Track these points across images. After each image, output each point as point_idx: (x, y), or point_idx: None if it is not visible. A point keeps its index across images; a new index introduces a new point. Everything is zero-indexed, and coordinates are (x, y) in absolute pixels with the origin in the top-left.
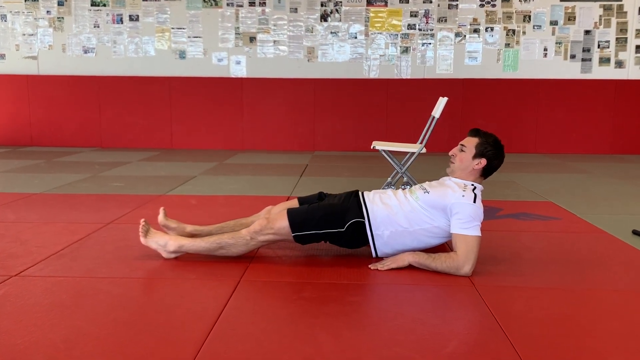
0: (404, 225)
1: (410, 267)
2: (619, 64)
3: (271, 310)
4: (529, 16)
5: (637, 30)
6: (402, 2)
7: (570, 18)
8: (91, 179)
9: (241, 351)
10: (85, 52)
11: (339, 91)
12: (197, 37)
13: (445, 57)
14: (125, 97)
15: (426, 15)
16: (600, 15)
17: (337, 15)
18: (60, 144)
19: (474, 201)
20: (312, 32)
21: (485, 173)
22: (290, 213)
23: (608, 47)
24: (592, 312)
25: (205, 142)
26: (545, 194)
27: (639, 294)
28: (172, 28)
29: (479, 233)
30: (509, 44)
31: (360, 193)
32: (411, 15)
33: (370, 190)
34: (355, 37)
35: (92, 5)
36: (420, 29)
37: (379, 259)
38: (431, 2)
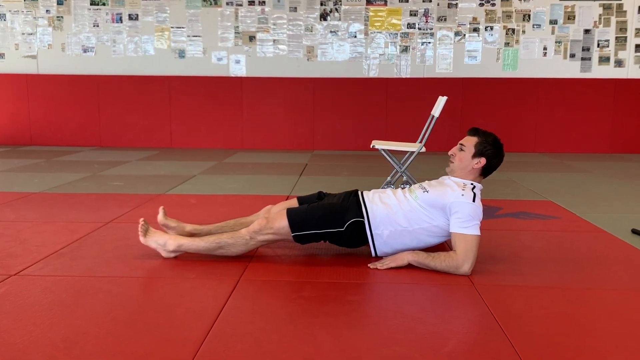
0: (403, 225)
1: (409, 266)
2: (619, 63)
3: (270, 310)
4: (529, 15)
5: (636, 29)
6: (402, 1)
7: (570, 17)
8: (91, 178)
9: (240, 350)
10: (85, 51)
11: (339, 90)
12: (196, 36)
13: (445, 56)
14: (125, 97)
15: (426, 14)
16: (600, 15)
17: (336, 14)
18: (59, 143)
19: (473, 200)
20: (311, 31)
21: (485, 172)
22: (290, 213)
23: (608, 46)
24: (591, 311)
25: (204, 141)
26: (544, 193)
27: (638, 293)
28: (172, 27)
29: (478, 232)
30: (508, 43)
31: (359, 192)
32: (411, 14)
33: (369, 190)
34: (355, 36)
35: (91, 4)
36: (419, 28)
37: (378, 258)
38: (431, 1)
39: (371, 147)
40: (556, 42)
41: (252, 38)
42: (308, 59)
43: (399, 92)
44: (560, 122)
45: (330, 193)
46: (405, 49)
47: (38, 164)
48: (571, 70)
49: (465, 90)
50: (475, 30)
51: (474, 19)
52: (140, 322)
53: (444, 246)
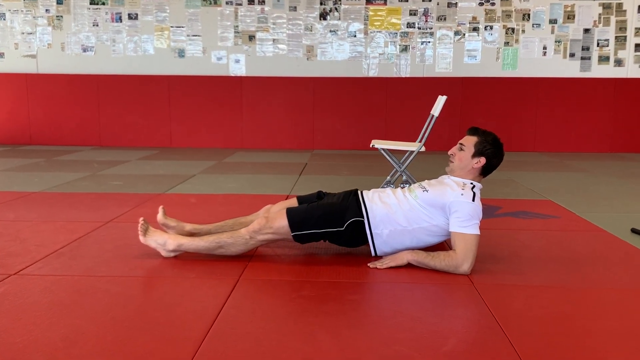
0: (403, 224)
1: (409, 266)
2: (618, 63)
3: (270, 309)
4: (528, 14)
5: (636, 28)
6: (402, 1)
7: (570, 16)
8: (90, 178)
9: (240, 350)
10: (84, 50)
11: (338, 90)
12: (196, 35)
13: (445, 55)
14: (125, 96)
15: (425, 13)
16: (600, 14)
17: (336, 13)
18: (59, 142)
19: (473, 200)
20: (311, 31)
21: (485, 172)
22: (290, 212)
23: (607, 46)
24: (591, 310)
25: (204, 141)
26: (544, 192)
27: (637, 292)
28: (171, 26)
29: (477, 231)
30: (508, 43)
31: (359, 192)
32: (410, 14)
33: (369, 189)
34: (355, 36)
35: (91, 3)
36: (419, 28)
37: (378, 257)
38: (430, 0)
39: (371, 146)
40: (556, 41)
41: (251, 37)
42: (308, 59)
43: (399, 92)
44: (560, 122)
45: (330, 192)
46: (405, 49)
47: (37, 163)
48: (571, 69)
49: (465, 90)
50: (475, 29)
51: (474, 18)
52: (139, 321)
53: (443, 245)
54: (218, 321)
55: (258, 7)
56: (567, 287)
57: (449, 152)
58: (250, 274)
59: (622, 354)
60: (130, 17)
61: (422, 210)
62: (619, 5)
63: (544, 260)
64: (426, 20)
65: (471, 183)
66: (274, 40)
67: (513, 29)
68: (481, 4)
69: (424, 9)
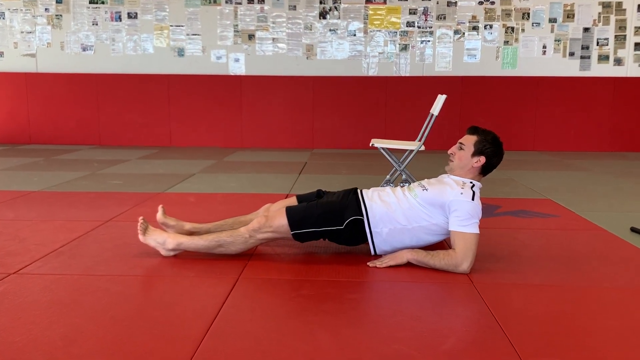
0: (402, 223)
1: (408, 265)
2: (618, 62)
3: (270, 308)
4: (528, 13)
5: (636, 27)
6: (401, 0)
7: (569, 15)
8: (90, 177)
9: (240, 349)
10: (84, 49)
11: (338, 89)
12: (195, 34)
13: (444, 54)
14: (124, 95)
15: (425, 12)
16: (599, 13)
17: (336, 12)
18: (58, 141)
19: (473, 199)
20: (311, 30)
21: (485, 171)
22: (289, 211)
23: (607, 45)
24: (590, 309)
25: (204, 140)
26: (544, 191)
27: (637, 291)
28: (171, 25)
29: (477, 230)
30: (507, 42)
31: (359, 191)
32: (410, 13)
33: (368, 188)
34: (354, 35)
35: (90, 2)
36: (419, 27)
37: (377, 256)
38: None
39: (370, 145)
40: (555, 40)
41: (251, 36)
42: (307, 58)
43: (399, 91)
44: (560, 121)
45: (329, 191)
46: (404, 48)
47: (37, 162)
48: (570, 68)
49: (464, 89)
50: (475, 28)
51: (473, 17)
52: (139, 320)
53: (443, 244)
54: (217, 320)
55: (257, 6)
56: (566, 286)
57: (449, 152)
58: (250, 273)
59: (621, 352)
60: (129, 16)
61: (421, 209)
62: (619, 4)
63: (544, 259)
64: (426, 19)
65: (471, 182)
66: (273, 39)
67: (513, 28)
68: (481, 3)
69: (424, 8)
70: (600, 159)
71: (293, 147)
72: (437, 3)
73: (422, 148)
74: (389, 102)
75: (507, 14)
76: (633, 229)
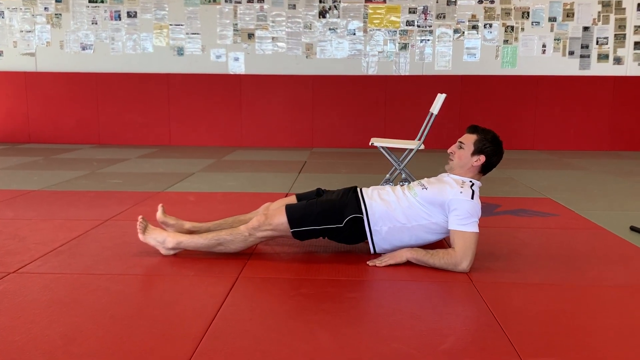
0: (402, 221)
1: (408, 264)
2: (618, 61)
3: (269, 307)
4: (528, 12)
5: (635, 26)
6: None
7: (569, 14)
8: (89, 176)
9: (239, 347)
10: (83, 48)
11: (338, 88)
12: (195, 33)
13: (444, 53)
14: (124, 94)
15: (425, 11)
16: (599, 12)
17: (335, 11)
18: (58, 140)
19: (472, 197)
20: (310, 29)
21: (484, 170)
22: (289, 209)
23: (606, 44)
24: (589, 308)
25: (203, 139)
26: (543, 190)
27: (636, 290)
28: (170, 24)
29: (476, 229)
30: (507, 41)
31: (358, 189)
32: (410, 12)
33: (368, 187)
34: (354, 34)
35: (89, 1)
36: (418, 26)
37: (377, 255)
38: None
39: (370, 144)
40: (555, 39)
41: (250, 35)
42: (307, 57)
43: (398, 90)
44: (559, 120)
45: (329, 190)
46: (404, 47)
47: (37, 161)
48: (570, 67)
49: (464, 88)
50: (474, 27)
51: (473, 16)
52: (139, 319)
53: (442, 243)
54: (217, 319)
55: (257, 5)
56: (566, 284)
57: (449, 151)
58: (250, 272)
59: (620, 351)
60: (129, 15)
61: (421, 208)
62: (618, 3)
63: (543, 258)
64: (425, 18)
65: (470, 181)
66: (273, 38)
67: (512, 27)
68: (480, 1)
69: (423, 6)
70: (599, 158)
71: (292, 146)
72: (437, 2)
73: (422, 147)
74: (388, 101)
75: (506, 13)
76: (632, 228)
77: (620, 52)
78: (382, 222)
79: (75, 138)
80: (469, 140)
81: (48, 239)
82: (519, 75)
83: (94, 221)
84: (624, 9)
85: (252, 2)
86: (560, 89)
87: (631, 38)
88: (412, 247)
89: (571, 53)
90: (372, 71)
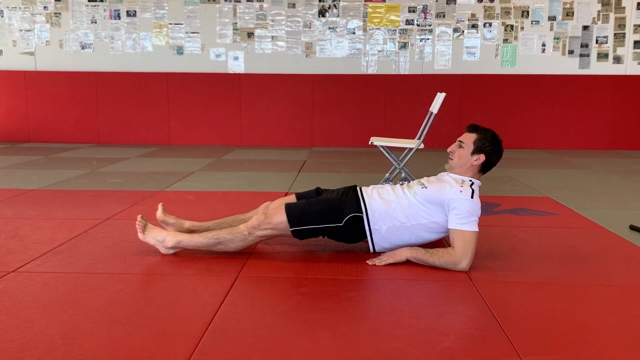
0: (401, 221)
1: (407, 263)
2: (617, 60)
3: (269, 306)
4: (527, 11)
5: (635, 25)
6: None
7: (569, 13)
8: (89, 175)
9: (239, 346)
10: (83, 48)
11: (337, 87)
12: (194, 32)
13: (444, 52)
14: (123, 93)
15: (424, 10)
16: (599, 11)
17: (335, 10)
18: (57, 140)
19: (472, 197)
20: (310, 28)
21: (484, 169)
22: (288, 208)
23: (606, 43)
24: (589, 307)
25: (203, 138)
26: (543, 189)
27: (635, 288)
28: (170, 24)
29: (476, 228)
30: (507, 40)
31: (358, 188)
32: (409, 11)
33: (368, 186)
34: (354, 33)
35: (89, 0)
36: (418, 25)
37: (376, 254)
38: None
39: (370, 143)
40: (555, 38)
41: (250, 34)
42: (306, 56)
43: (398, 89)
44: (559, 119)
45: (328, 189)
46: (403, 46)
47: (36, 160)
48: (570, 66)
49: (463, 87)
50: (474, 26)
51: (473, 15)
52: (138, 318)
53: (442, 242)
54: (217, 318)
55: (257, 4)
56: (565, 283)
57: (448, 150)
58: (249, 271)
59: (620, 350)
60: (128, 14)
61: (421, 207)
62: (618, 2)
63: (542, 257)
64: (425, 18)
65: (470, 180)
66: (272, 37)
67: (512, 26)
68: (480, 0)
69: (423, 6)
70: (599, 156)
71: (292, 145)
72: (437, 1)
73: (422, 146)
74: (388, 100)
75: (506, 12)
76: (632, 227)
77: (620, 51)
78: (381, 221)
79: (74, 137)
80: (468, 139)
81: (47, 238)
82: (518, 74)
83: (94, 220)
84: (624, 8)
85: (252, 1)
86: (560, 88)
87: (631, 37)
88: (411, 246)
89: (571, 52)
90: (371, 70)
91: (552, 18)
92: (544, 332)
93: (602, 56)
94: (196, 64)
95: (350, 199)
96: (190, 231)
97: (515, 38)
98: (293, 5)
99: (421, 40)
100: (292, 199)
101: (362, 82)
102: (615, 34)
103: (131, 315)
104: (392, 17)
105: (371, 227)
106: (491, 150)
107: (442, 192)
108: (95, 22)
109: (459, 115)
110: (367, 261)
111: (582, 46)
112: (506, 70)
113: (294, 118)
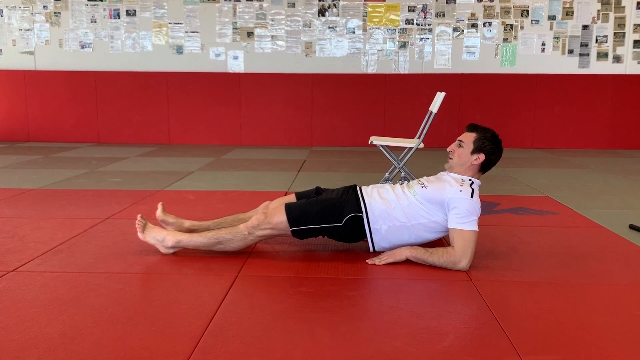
0: (401, 220)
1: (407, 262)
2: (617, 59)
3: (268, 305)
4: (527, 11)
5: (635, 25)
6: None
7: (568, 13)
8: (89, 175)
9: (239, 345)
10: (82, 47)
11: (337, 86)
12: (194, 32)
13: (443, 52)
14: (123, 93)
15: (424, 10)
16: (599, 10)
17: (334, 10)
18: (57, 139)
19: (472, 196)
20: (309, 27)
21: (484, 168)
22: (288, 207)
23: (606, 42)
24: (588, 306)
25: (202, 138)
26: (542, 188)
27: (635, 287)
28: (170, 23)
29: (476, 228)
30: (506, 39)
31: (358, 188)
32: (409, 10)
33: (367, 186)
34: (353, 32)
35: (88, 0)
36: (418, 24)
37: (376, 253)
38: None
39: (369, 143)
40: (554, 37)
41: (250, 34)
42: (306, 55)
43: (397, 88)
44: (558, 118)
45: (328, 188)
46: (403, 45)
47: (36, 160)
48: (569, 66)
49: (463, 86)
50: (474, 26)
51: (472, 14)
52: (138, 317)
53: (442, 242)
54: (216, 317)
55: (257, 4)
56: (565, 283)
57: (448, 149)
58: (249, 271)
59: (619, 349)
60: (128, 13)
61: (420, 207)
62: (618, 1)
63: (542, 256)
64: (425, 17)
65: (470, 179)
66: (272, 36)
67: (512, 26)
68: (480, 0)
69: (423, 5)
70: (598, 156)
71: (292, 145)
72: (436, 0)
73: (421, 145)
74: (387, 99)
75: (506, 11)
76: (631, 226)
77: (620, 50)
78: (381, 220)
79: (74, 136)
80: (468, 138)
81: (47, 237)
82: (518, 73)
83: (93, 220)
84: (624, 7)
85: (252, 1)
86: (560, 88)
87: (630, 36)
88: (411, 245)
89: (570, 51)
90: (371, 70)
91: (551, 17)
92: (544, 331)
93: (602, 55)
94: (196, 63)
95: (350, 199)
96: (190, 231)
97: (515, 37)
98: (293, 5)
99: (421, 39)
100: (291, 198)
101: (361, 81)
102: (615, 34)
103: (131, 315)
104: (392, 17)
105: (371, 227)
106: (491, 150)
107: (442, 191)
108: (95, 22)
109: (458, 114)
110: (366, 260)
111: (581, 45)
112: (506, 70)
113: (293, 117)
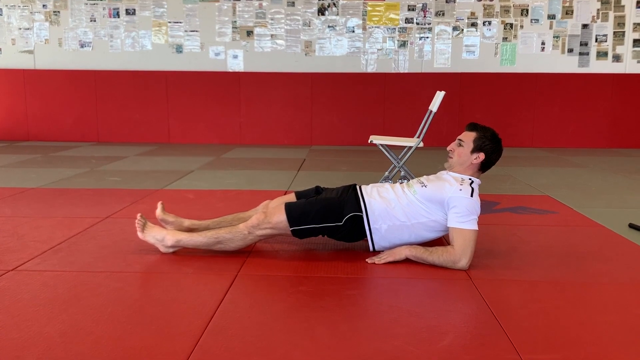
0: (401, 219)
1: (407, 261)
2: (617, 58)
3: (268, 304)
4: (527, 10)
5: (634, 24)
6: None
7: (568, 12)
8: (88, 174)
9: (238, 345)
10: (82, 46)
11: (337, 85)
12: (194, 31)
13: (443, 51)
14: (122, 92)
15: (424, 9)
16: (598, 9)
17: (334, 9)
18: (57, 138)
19: (471, 195)
20: (309, 26)
21: (484, 167)
22: (288, 207)
23: (606, 41)
24: (588, 305)
25: (202, 137)
26: (542, 187)
27: (635, 287)
28: (169, 22)
29: (476, 227)
30: (506, 38)
31: (357, 187)
32: (409, 9)
33: (367, 185)
34: (353, 31)
35: None
36: (417, 23)
37: (376, 252)
38: None
39: (369, 142)
40: (554, 37)
41: (249, 33)
42: (306, 54)
43: (397, 87)
44: (558, 117)
45: (328, 188)
46: (403, 44)
47: (35, 159)
48: (569, 65)
49: (463, 85)
50: (473, 25)
51: (472, 13)
52: (138, 317)
53: (441, 241)
54: (216, 316)
55: (256, 3)
56: (564, 282)
57: (448, 148)
58: (249, 270)
59: (619, 348)
60: (127, 12)
61: (420, 206)
62: (618, 0)
63: (542, 255)
64: (424, 16)
65: (470, 179)
66: (272, 35)
67: (511, 25)
68: None
69: (422, 4)
70: (598, 155)
71: (291, 144)
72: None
73: (421, 145)
74: (387, 98)
75: (505, 10)
76: (631, 226)
77: (620, 49)
78: (381, 220)
79: (73, 136)
80: (468, 137)
81: (46, 236)
82: (518, 72)
83: (93, 219)
84: (623, 6)
85: (251, 0)
86: (559, 87)
87: (630, 35)
88: (411, 244)
89: (570, 50)
90: (371, 69)
91: (551, 16)
92: (543, 330)
93: (602, 55)
94: (195, 62)
95: (350, 198)
96: (190, 230)
97: (515, 36)
98: (292, 4)
99: (420, 38)
100: (291, 197)
101: (361, 80)
102: (614, 33)
103: (131, 314)
104: (392, 16)
105: (371, 227)
106: (491, 149)
107: (442, 190)
108: (95, 21)
109: (458, 113)
110: (366, 260)
111: (581, 44)
112: (506, 69)
113: (293, 116)
